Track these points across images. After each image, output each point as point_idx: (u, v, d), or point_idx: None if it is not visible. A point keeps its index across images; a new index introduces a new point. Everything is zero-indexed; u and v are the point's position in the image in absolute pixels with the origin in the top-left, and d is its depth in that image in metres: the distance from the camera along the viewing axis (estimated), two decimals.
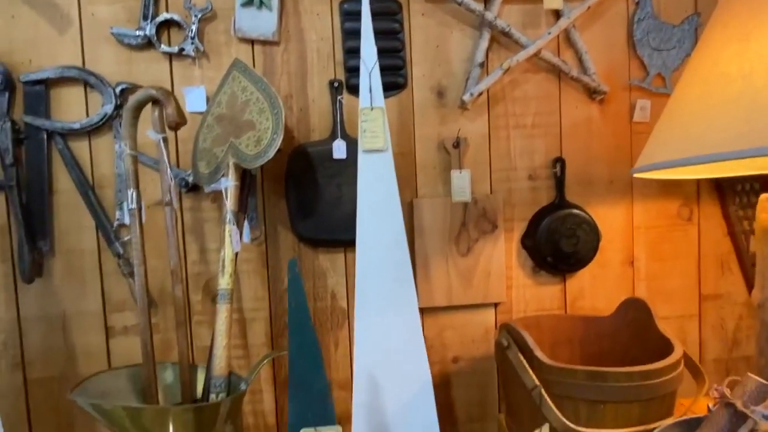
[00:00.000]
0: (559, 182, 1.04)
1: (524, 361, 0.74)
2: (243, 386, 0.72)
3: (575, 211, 1.04)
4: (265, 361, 0.80)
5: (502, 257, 1.04)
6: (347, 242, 0.97)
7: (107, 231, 0.94)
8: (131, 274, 0.92)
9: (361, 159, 0.83)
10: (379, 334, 0.81)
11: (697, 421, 0.68)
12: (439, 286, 1.03)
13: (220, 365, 0.71)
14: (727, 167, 0.89)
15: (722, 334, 1.14)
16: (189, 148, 0.92)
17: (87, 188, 0.93)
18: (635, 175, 0.88)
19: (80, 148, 0.94)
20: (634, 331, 0.89)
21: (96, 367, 0.92)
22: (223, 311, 0.74)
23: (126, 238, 0.92)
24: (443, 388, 1.07)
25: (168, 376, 0.82)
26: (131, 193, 0.75)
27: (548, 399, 0.69)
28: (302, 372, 0.48)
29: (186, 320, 0.75)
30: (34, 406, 0.96)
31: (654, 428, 0.68)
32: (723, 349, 1.14)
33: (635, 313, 0.90)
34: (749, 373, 0.66)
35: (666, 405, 0.72)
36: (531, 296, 1.08)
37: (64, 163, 0.93)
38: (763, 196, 0.76)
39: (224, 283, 0.75)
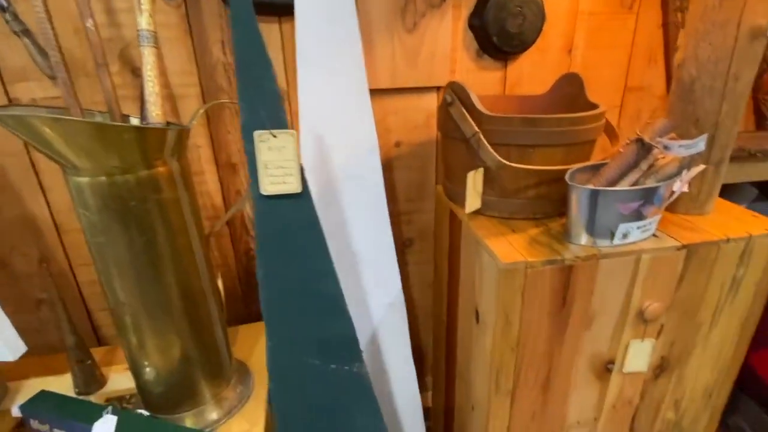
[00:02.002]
0: None
1: (465, 112, 0.77)
2: (189, 125, 0.69)
3: None
4: (206, 106, 0.77)
5: (448, 37, 1.01)
6: (282, 7, 0.87)
7: None
8: (25, 33, 0.78)
9: None
10: (326, 119, 0.79)
11: (604, 164, 0.78)
12: (384, 66, 1.00)
13: (155, 112, 0.67)
14: None
15: (637, 125, 1.26)
16: None
17: None
18: None
19: None
20: (567, 104, 0.94)
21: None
22: (148, 54, 0.66)
23: None
24: (386, 171, 1.13)
25: None
26: None
27: (486, 143, 0.74)
28: (251, 71, 0.45)
29: (105, 64, 0.67)
30: None
31: (572, 167, 0.77)
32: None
33: (569, 88, 0.95)
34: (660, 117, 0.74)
35: (585, 151, 0.81)
36: (473, 81, 1.09)
37: None
38: None
39: (144, 23, 0.66)
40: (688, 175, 0.74)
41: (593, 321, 0.78)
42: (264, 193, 0.51)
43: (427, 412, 1.37)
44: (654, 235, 0.78)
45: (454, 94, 0.80)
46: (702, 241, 0.76)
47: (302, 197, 0.53)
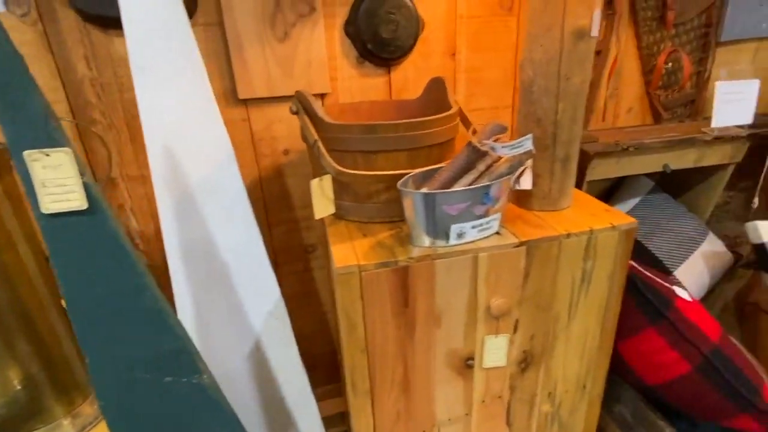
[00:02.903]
0: None
1: (308, 121, 0.79)
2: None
3: None
4: None
5: (322, 45, 1.03)
6: (113, 20, 0.88)
7: None
8: None
9: None
10: (172, 130, 0.80)
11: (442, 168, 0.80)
12: (258, 74, 1.01)
13: None
14: None
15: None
16: None
17: None
18: None
19: None
20: (436, 107, 0.96)
21: None
22: None
23: None
24: (277, 179, 1.14)
25: None
26: None
27: (324, 151, 0.76)
28: (9, 93, 0.46)
29: None
30: None
31: (412, 172, 0.79)
32: None
33: (437, 92, 0.97)
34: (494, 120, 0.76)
35: (435, 154, 0.83)
36: (357, 88, 1.11)
37: None
38: None
39: None
40: (517, 173, 0.76)
41: (441, 319, 0.79)
42: (45, 211, 0.52)
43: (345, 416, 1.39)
44: (497, 233, 0.80)
45: (300, 103, 0.81)
46: (543, 236, 0.79)
47: (93, 213, 0.55)
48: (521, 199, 0.90)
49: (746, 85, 1.13)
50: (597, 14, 0.75)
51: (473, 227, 0.75)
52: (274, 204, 1.15)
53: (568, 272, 0.83)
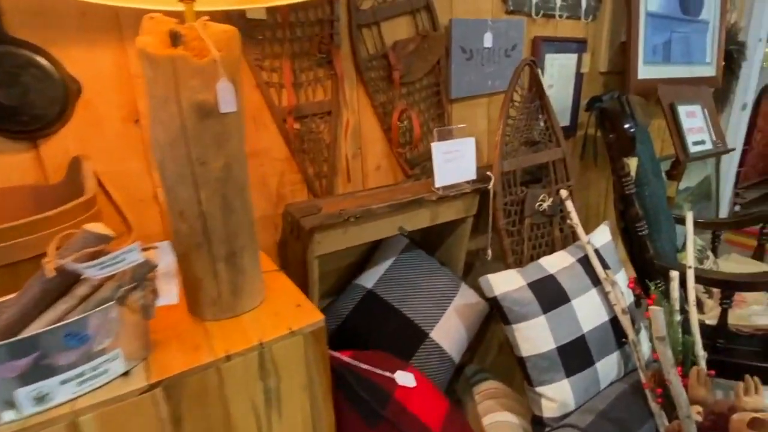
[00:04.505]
0: None
1: None
2: None
3: (21, 51, 0.78)
4: None
5: None
6: None
7: None
8: None
9: None
10: None
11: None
12: None
13: None
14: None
15: (266, 192, 1.14)
16: None
17: None
18: None
19: None
20: (77, 193, 0.73)
21: None
22: None
23: None
24: None
25: None
26: None
27: None
28: None
29: None
30: None
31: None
32: (267, 206, 1.15)
33: (76, 174, 0.74)
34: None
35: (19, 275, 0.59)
36: None
37: None
38: (146, 16, 0.63)
39: None
40: (142, 293, 0.57)
41: None
42: None
43: None
44: (125, 374, 0.58)
45: None
46: (190, 368, 0.60)
47: None
48: (193, 306, 0.71)
49: (462, 144, 1.15)
50: (224, 86, 0.61)
51: (64, 381, 0.53)
52: None
53: (245, 399, 0.66)
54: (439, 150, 1.09)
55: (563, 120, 1.72)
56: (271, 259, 0.97)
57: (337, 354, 0.79)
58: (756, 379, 0.99)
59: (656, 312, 0.79)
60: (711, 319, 1.33)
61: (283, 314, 0.72)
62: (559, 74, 1.65)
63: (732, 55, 2.24)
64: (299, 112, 1.09)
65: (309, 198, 1.20)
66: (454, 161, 1.14)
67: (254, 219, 0.73)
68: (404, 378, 0.84)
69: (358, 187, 1.29)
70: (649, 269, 1.41)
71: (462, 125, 1.19)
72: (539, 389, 1.08)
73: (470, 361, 1.49)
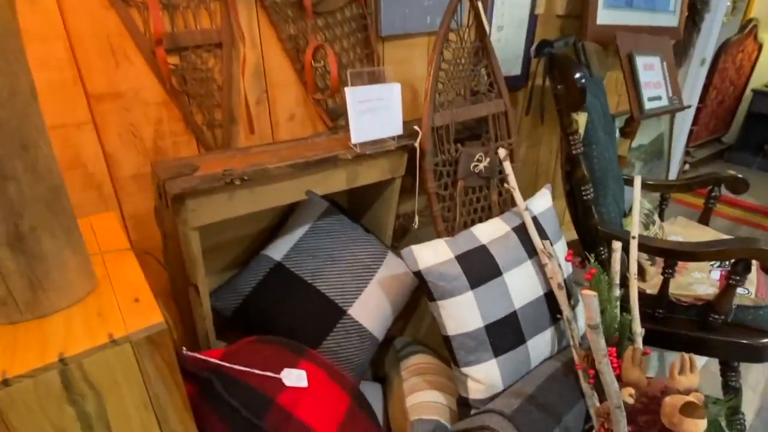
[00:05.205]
0: None
1: None
2: None
3: None
4: None
5: None
6: None
7: None
8: None
9: None
10: None
11: None
12: None
13: None
14: None
15: (138, 144, 0.92)
16: None
17: None
18: None
19: None
20: None
21: None
22: None
23: None
24: None
25: None
26: None
27: None
28: None
29: None
30: None
31: None
32: (144, 162, 0.93)
33: None
34: None
35: None
36: None
37: None
38: None
39: None
40: None
41: None
42: None
43: None
44: None
45: None
46: None
47: None
48: None
49: (385, 90, 0.95)
50: None
51: None
52: None
53: (48, 428, 0.49)
54: (354, 97, 0.90)
55: (514, 69, 1.54)
56: (152, 230, 0.77)
57: (199, 356, 0.62)
58: (692, 356, 0.92)
59: (590, 298, 0.68)
60: (652, 288, 1.25)
61: (109, 314, 0.54)
62: (510, 15, 1.44)
63: (696, 6, 2.10)
64: (174, 43, 0.86)
65: (200, 152, 0.98)
66: (376, 112, 0.95)
67: (61, 185, 0.52)
68: (293, 377, 0.70)
69: (267, 140, 1.08)
70: (593, 236, 1.31)
71: (386, 67, 0.99)
72: (465, 370, 0.98)
73: (402, 331, 1.37)
